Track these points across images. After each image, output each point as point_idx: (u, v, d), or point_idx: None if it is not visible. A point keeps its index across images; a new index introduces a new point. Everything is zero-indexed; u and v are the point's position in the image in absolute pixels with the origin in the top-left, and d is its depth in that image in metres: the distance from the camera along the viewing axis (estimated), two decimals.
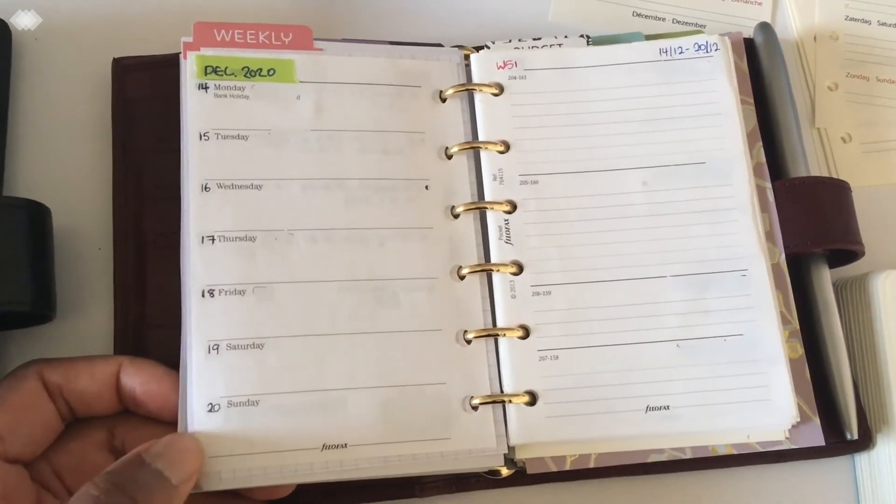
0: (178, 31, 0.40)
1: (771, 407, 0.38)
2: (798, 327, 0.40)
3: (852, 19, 0.50)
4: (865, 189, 0.46)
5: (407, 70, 0.41)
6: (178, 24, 0.43)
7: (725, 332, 0.39)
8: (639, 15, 0.49)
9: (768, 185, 0.42)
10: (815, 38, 0.49)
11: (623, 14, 0.49)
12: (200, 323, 0.35)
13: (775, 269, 0.40)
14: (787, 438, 0.38)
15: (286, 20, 0.45)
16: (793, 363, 0.39)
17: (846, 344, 0.41)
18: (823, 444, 0.39)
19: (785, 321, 0.40)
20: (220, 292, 0.36)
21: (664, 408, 0.38)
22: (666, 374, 0.38)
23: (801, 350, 0.40)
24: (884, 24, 0.50)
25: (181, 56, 0.39)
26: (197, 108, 0.38)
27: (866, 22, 0.50)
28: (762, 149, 0.42)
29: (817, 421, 0.39)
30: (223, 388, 0.34)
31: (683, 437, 0.38)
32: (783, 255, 0.41)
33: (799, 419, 0.38)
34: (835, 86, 0.48)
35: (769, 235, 0.41)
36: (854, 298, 0.42)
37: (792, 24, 0.50)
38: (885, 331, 0.40)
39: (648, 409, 0.38)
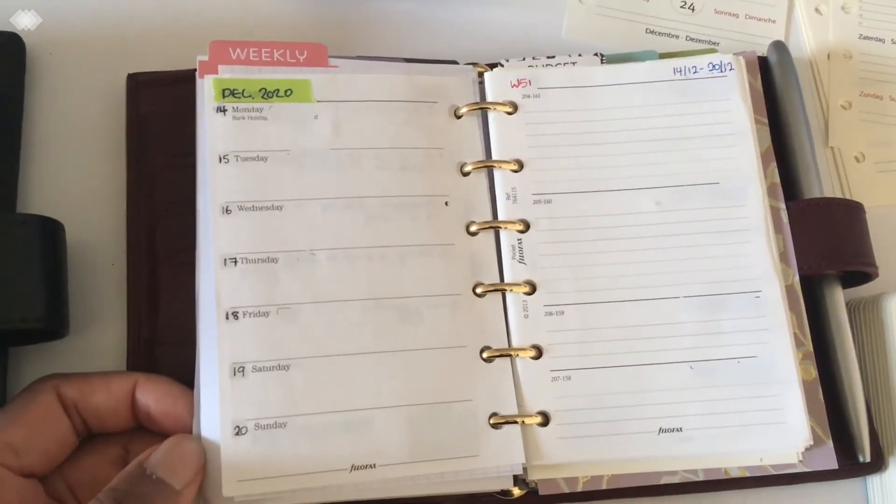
0: (193, 46, 0.40)
1: (784, 429, 0.38)
2: (811, 349, 0.40)
3: (866, 37, 0.50)
4: (878, 209, 0.45)
5: (423, 86, 0.41)
6: (193, 39, 0.43)
7: (739, 354, 0.39)
8: (652, 32, 0.49)
9: (782, 205, 0.42)
10: (828, 56, 0.49)
11: (636, 31, 0.49)
12: (225, 345, 0.35)
13: (789, 290, 0.40)
14: (800, 461, 0.38)
15: (300, 37, 0.45)
16: (806, 385, 0.39)
17: (859, 365, 0.41)
18: (837, 467, 0.39)
19: (798, 343, 0.40)
20: (244, 314, 0.36)
21: (677, 430, 0.38)
22: (679, 395, 0.38)
23: (814, 372, 0.40)
24: None
25: (197, 74, 0.39)
26: (215, 132, 0.38)
27: (880, 40, 0.50)
28: (776, 169, 0.42)
29: (830, 444, 0.39)
30: (250, 411, 0.34)
31: (696, 459, 0.38)
32: (797, 277, 0.41)
33: (812, 442, 0.38)
34: (848, 104, 0.48)
35: (783, 256, 0.41)
36: (867, 319, 0.42)
37: (805, 42, 0.49)
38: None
39: (661, 430, 0.38)
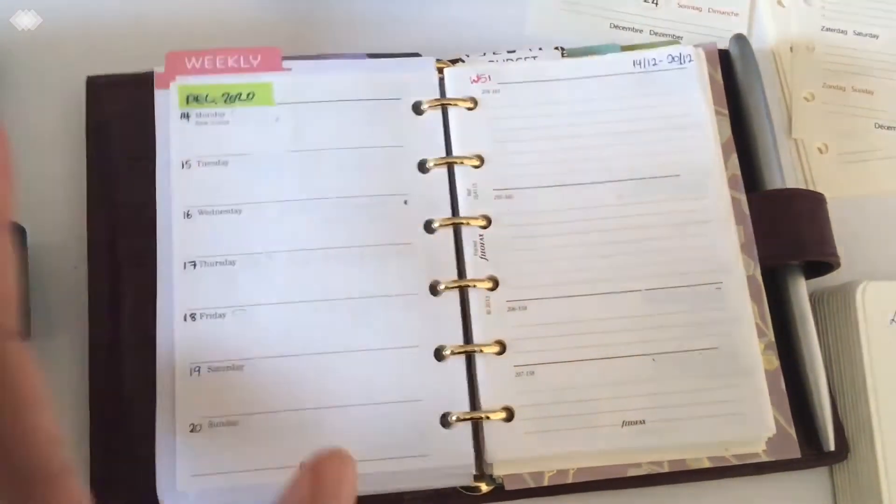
0: (154, 49, 0.40)
1: (747, 420, 0.38)
2: (773, 339, 0.40)
3: (829, 29, 0.50)
4: (842, 199, 0.46)
5: (384, 83, 0.41)
6: (154, 42, 0.43)
7: (701, 346, 0.39)
8: (616, 26, 0.49)
9: (743, 196, 0.42)
10: (791, 48, 0.49)
11: (600, 25, 0.49)
12: (183, 347, 0.36)
13: (750, 281, 0.40)
14: (763, 451, 0.38)
15: (261, 35, 0.45)
16: (768, 375, 0.39)
17: (823, 355, 0.41)
18: (799, 456, 0.39)
19: (760, 333, 0.40)
20: (201, 316, 0.36)
21: (640, 422, 0.38)
22: (641, 388, 0.38)
23: (776, 362, 0.40)
24: (860, 33, 0.50)
25: (155, 86, 0.39)
26: (179, 138, 0.39)
27: (843, 32, 0.50)
28: (737, 160, 0.43)
29: (793, 433, 0.39)
30: (205, 409, 0.35)
31: (660, 451, 0.38)
32: (758, 268, 0.41)
33: (775, 432, 0.38)
34: (811, 96, 0.48)
35: (744, 248, 0.41)
36: (830, 309, 0.42)
37: (768, 34, 0.50)
38: (861, 341, 0.40)
39: (624, 423, 0.38)
